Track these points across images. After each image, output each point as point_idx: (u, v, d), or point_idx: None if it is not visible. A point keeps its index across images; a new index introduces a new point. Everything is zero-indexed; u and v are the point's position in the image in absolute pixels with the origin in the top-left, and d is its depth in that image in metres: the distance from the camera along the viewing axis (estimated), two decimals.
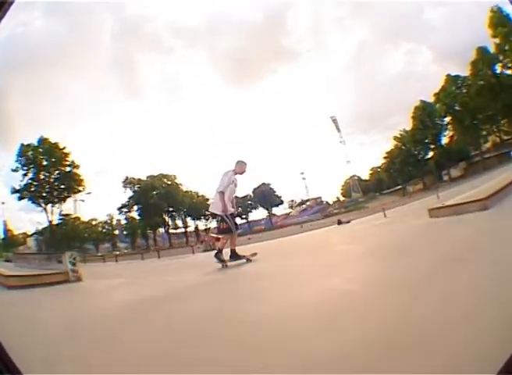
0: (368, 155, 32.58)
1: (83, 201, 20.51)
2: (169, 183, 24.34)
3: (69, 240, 22.37)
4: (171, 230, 26.52)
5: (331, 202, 32.08)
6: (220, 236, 6.00)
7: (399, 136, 27.62)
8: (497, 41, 25.45)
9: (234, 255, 5.70)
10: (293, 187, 38.69)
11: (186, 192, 26.12)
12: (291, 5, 36.46)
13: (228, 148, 26.59)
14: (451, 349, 1.28)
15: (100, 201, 24.60)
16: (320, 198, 32.52)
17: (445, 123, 26.59)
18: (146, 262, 15.04)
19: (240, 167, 5.99)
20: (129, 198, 22.39)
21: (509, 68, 25.67)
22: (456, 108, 25.87)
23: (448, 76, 26.52)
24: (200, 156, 32.34)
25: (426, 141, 26.89)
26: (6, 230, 20.00)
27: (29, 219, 22.47)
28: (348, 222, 12.02)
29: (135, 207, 22.76)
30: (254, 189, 29.27)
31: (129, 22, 27.01)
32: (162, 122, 28.41)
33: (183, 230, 27.53)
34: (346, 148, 34.53)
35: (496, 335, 1.29)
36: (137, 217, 23.49)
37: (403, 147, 27.29)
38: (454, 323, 1.55)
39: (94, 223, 24.00)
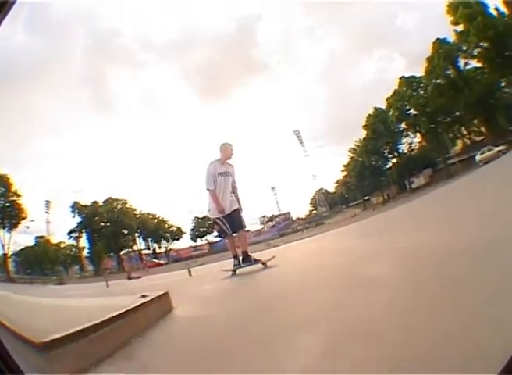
0: (339, 166, 30.96)
1: (28, 227, 22.67)
2: (119, 207, 26.14)
3: (40, 262, 25.05)
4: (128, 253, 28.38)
5: (299, 217, 31.13)
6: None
7: (354, 147, 26.00)
8: (459, 27, 22.69)
9: (247, 259, 4.13)
10: (265, 203, 38.74)
11: (142, 214, 27.65)
12: (262, 15, 37.73)
13: (196, 165, 27.85)
14: None
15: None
16: (288, 213, 31.68)
17: (401, 129, 24.26)
18: None
19: (225, 151, 4.45)
20: (78, 223, 24.57)
21: (474, 57, 22.50)
22: (411, 112, 23.44)
23: (402, 78, 24.28)
24: (166, 173, 34.23)
25: (383, 150, 24.82)
26: None
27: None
28: (139, 277, 9.06)
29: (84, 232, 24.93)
30: None
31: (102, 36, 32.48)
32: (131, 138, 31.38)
33: (147, 251, 29.34)
34: (313, 161, 33.56)
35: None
36: (95, 241, 25.76)
37: (359, 158, 25.55)
38: None
39: (62, 245, 26.24)
